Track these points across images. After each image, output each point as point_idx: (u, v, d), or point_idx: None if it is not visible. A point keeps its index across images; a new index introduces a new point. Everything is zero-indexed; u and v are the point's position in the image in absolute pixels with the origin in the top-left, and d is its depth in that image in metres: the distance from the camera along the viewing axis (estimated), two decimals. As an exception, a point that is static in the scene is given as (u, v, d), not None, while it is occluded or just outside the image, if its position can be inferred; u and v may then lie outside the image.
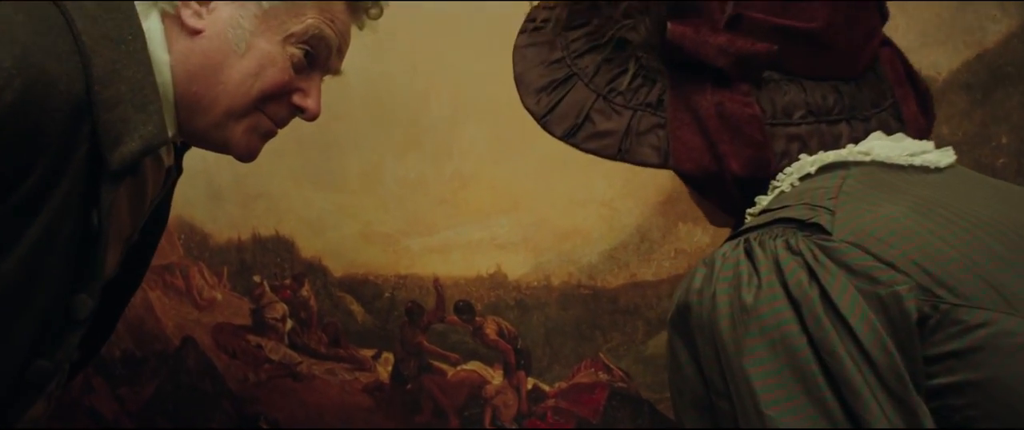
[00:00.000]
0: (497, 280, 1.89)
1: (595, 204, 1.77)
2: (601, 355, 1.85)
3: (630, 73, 0.86)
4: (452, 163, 1.81)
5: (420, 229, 1.92)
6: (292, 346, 2.12)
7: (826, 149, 0.85)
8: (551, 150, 0.94)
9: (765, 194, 0.87)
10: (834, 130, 0.85)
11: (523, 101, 0.93)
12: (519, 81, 0.94)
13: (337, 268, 2.05)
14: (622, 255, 1.79)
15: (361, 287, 2.02)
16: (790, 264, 0.71)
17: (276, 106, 1.13)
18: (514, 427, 1.93)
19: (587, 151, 0.87)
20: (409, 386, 2.01)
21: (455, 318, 1.92)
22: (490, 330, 1.89)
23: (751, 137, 0.80)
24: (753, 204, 0.88)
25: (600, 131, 0.86)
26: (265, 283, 2.12)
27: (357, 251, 2.01)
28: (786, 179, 0.85)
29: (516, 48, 0.96)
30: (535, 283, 1.85)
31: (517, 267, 1.82)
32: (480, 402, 1.95)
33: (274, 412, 2.18)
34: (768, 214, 0.82)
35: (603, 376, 1.86)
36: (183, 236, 2.17)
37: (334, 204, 2.00)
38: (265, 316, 2.14)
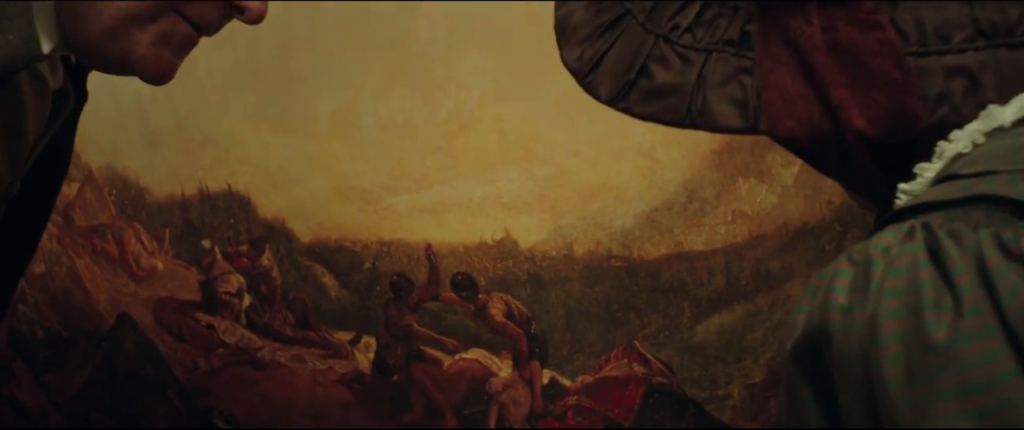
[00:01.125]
0: (505, 248, 1.75)
1: (631, 154, 1.63)
2: (636, 343, 1.71)
3: (698, 2, 0.69)
4: (447, 101, 1.70)
5: (407, 184, 1.79)
6: (251, 327, 2.01)
7: (1010, 87, 0.63)
8: (573, 85, 0.78)
9: (927, 160, 0.66)
10: (1020, 57, 0.63)
11: (563, 57, 0.77)
12: (560, 29, 0.77)
13: (304, 231, 1.92)
14: (664, 218, 1.64)
15: (335, 255, 1.90)
16: (1008, 277, 0.49)
17: (198, 3, 0.94)
18: (527, 429, 1.83)
19: (644, 117, 0.72)
20: (396, 378, 1.90)
21: (453, 295, 1.79)
22: (496, 310, 1.76)
23: (883, 75, 0.63)
24: (903, 177, 0.67)
25: (660, 86, 0.70)
26: (216, 249, 2.00)
27: (329, 210, 1.87)
28: (962, 137, 0.63)
29: None
30: (553, 252, 1.71)
31: (530, 232, 1.72)
32: (484, 399, 1.84)
33: (231, 407, 2.08)
34: (953, 185, 0.60)
35: (639, 369, 1.72)
36: (115, 192, 2.05)
37: (300, 152, 1.86)
38: (217, 290, 2.02)
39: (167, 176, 1.99)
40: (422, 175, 1.79)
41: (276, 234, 1.94)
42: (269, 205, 1.93)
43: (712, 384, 1.69)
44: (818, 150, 0.70)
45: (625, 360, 1.73)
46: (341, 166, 1.84)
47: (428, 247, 1.80)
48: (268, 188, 1.92)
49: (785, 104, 0.68)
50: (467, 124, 1.72)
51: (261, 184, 1.92)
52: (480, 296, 1.79)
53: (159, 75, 0.96)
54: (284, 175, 1.89)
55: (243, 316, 2.01)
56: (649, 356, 1.71)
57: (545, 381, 1.79)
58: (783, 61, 0.67)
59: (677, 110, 0.70)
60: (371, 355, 1.92)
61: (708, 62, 0.71)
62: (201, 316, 2.04)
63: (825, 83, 0.66)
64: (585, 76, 0.75)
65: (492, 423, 1.84)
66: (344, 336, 1.94)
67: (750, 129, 0.70)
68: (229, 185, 1.94)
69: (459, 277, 1.79)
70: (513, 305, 1.78)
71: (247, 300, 2.00)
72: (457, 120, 1.72)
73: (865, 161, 0.69)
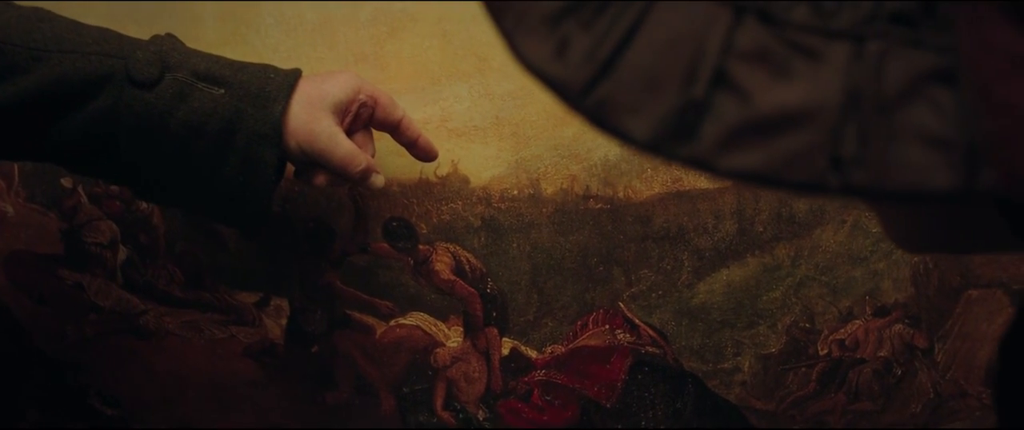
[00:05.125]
0: (453, 186, 1.62)
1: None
2: (621, 305, 1.62)
3: None
4: (374, -8, 1.61)
5: None
6: (129, 286, 1.81)
7: None
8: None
9: None
10: None
11: (519, 50, 0.43)
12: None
13: None
14: None
15: None
16: None
17: None
18: (481, 413, 1.73)
19: (744, 178, 0.39)
20: (315, 349, 1.77)
21: (385, 246, 1.64)
22: (442, 265, 1.63)
23: None
24: None
25: (766, 117, 0.37)
26: (80, 189, 1.78)
27: None
28: None
29: None
30: (515, 191, 1.60)
31: (485, 165, 1.60)
32: (428, 374, 1.73)
33: (111, 384, 1.90)
34: None
35: (624, 337, 1.64)
36: (-59, 115, 1.85)
37: None
38: (84, 240, 1.82)
39: None
40: None
41: None
42: None
43: (717, 355, 1.61)
44: None
45: (607, 326, 1.63)
46: None
47: (352, 185, 1.64)
48: None
49: None
50: (400, 24, 1.55)
51: None
52: (421, 247, 1.65)
53: None
54: None
55: (119, 273, 1.83)
56: (637, 321, 1.62)
57: (505, 352, 1.69)
58: (1022, 54, 0.36)
59: (811, 161, 0.39)
60: (283, 321, 1.78)
61: (861, 59, 0.39)
62: (66, 273, 1.83)
63: None
64: (584, 92, 0.41)
65: (439, 404, 1.73)
66: (248, 298, 1.80)
67: (963, 192, 0.39)
68: None
69: (394, 223, 1.64)
70: (463, 258, 1.64)
71: (123, 253, 1.82)
72: (387, 19, 1.55)
73: None
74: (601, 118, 0.40)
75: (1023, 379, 0.57)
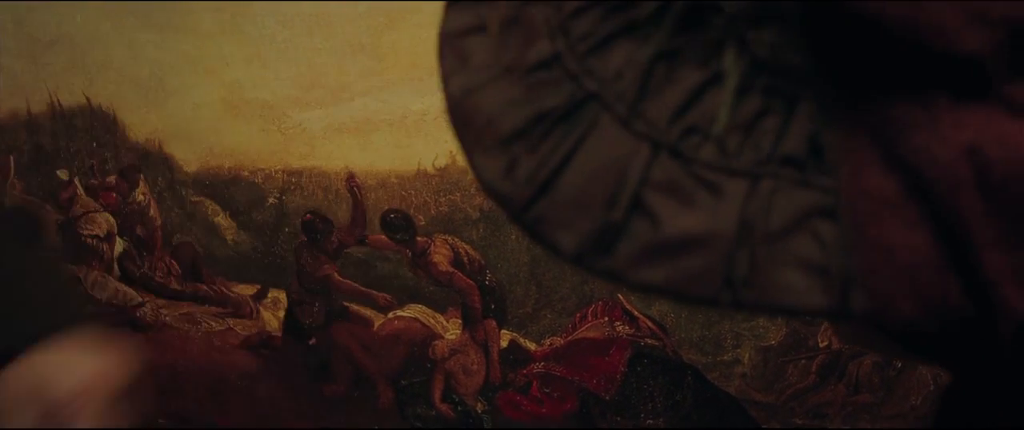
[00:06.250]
0: (451, 178, 1.65)
1: None
2: (620, 297, 1.64)
3: (731, 83, 0.36)
4: (372, -17, 1.65)
5: (321, 95, 1.66)
6: (126, 278, 1.85)
7: None
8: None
9: None
10: None
11: (474, 167, 0.34)
12: (461, 113, 0.36)
13: (189, 158, 1.80)
14: None
15: (229, 188, 1.78)
16: None
17: None
18: (480, 405, 1.74)
19: (648, 290, 0.35)
20: (313, 341, 1.79)
21: (383, 238, 1.67)
22: (440, 257, 1.65)
23: None
24: None
25: (670, 240, 0.36)
26: (77, 181, 1.83)
27: (219, 131, 1.74)
28: None
29: (445, 37, 0.37)
30: None
31: None
32: (426, 366, 1.74)
33: None
34: None
35: (623, 329, 1.65)
36: (-65, 108, 1.96)
37: (177, 54, 1.70)
38: (80, 233, 1.84)
39: (7, 87, 1.83)
40: (340, 84, 1.65)
41: (152, 161, 1.82)
42: (141, 124, 1.80)
43: (716, 347, 1.63)
44: (949, 346, 0.43)
45: (606, 318, 1.65)
46: (232, 73, 1.69)
47: (350, 177, 1.69)
48: (138, 102, 1.78)
49: (898, 273, 0.40)
50: (399, 15, 1.57)
51: (129, 97, 1.78)
52: (419, 239, 1.68)
53: None
54: (158, 85, 1.75)
55: (115, 265, 1.87)
56: (636, 313, 1.64)
57: (504, 344, 1.71)
58: (891, 199, 0.39)
59: (707, 279, 0.40)
60: (281, 313, 1.82)
61: (755, 195, 0.40)
62: (63, 266, 1.79)
63: (967, 241, 0.38)
64: (524, 207, 0.45)
65: (437, 396, 1.74)
66: (246, 290, 1.84)
67: (836, 311, 0.40)
68: (88, 98, 1.81)
69: (392, 215, 1.68)
70: (462, 250, 1.67)
71: (120, 245, 1.86)
72: (385, 10, 1.57)
73: (1009, 356, 0.42)
74: (536, 232, 0.44)
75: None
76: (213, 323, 1.82)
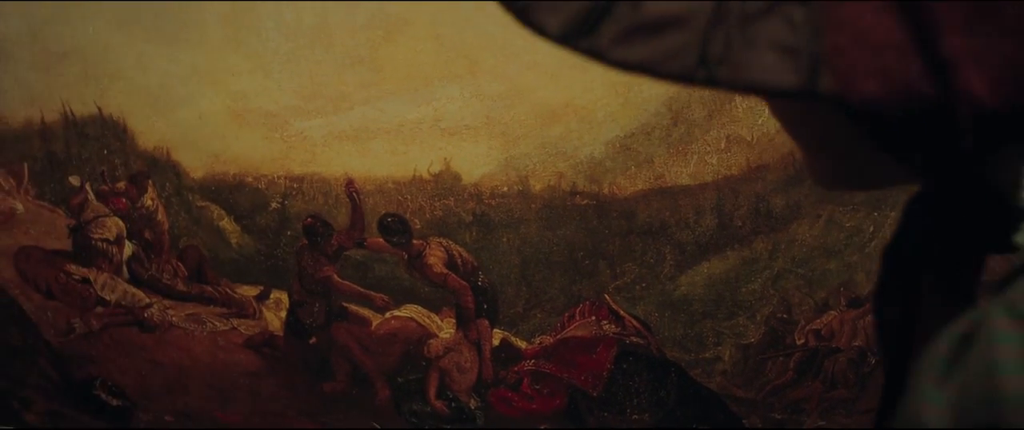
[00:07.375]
0: (445, 183, 1.68)
1: (600, 66, 1.37)
2: (606, 297, 1.67)
3: None
4: (370, -2, 1.65)
5: (322, 104, 1.68)
6: (134, 280, 1.89)
7: None
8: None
9: None
10: None
11: None
12: None
13: (195, 165, 1.82)
14: (642, 145, 1.56)
15: (234, 194, 1.80)
16: None
17: None
18: (473, 402, 1.76)
19: (628, 67, 0.47)
20: (313, 340, 1.82)
21: (381, 241, 1.72)
22: (435, 259, 1.70)
23: (1022, 16, 0.43)
24: (997, 192, 0.51)
25: (651, 18, 0.47)
26: (88, 187, 1.85)
27: (224, 138, 1.76)
28: None
29: None
30: (505, 188, 1.65)
31: (476, 163, 1.66)
32: (421, 364, 1.77)
33: (116, 376, 1.93)
34: None
35: (609, 328, 1.68)
36: (-47, 117, 1.96)
37: (185, 65, 1.72)
38: (91, 236, 1.87)
39: (21, 98, 1.85)
40: (340, 93, 1.68)
41: (160, 168, 1.85)
42: (150, 132, 1.82)
43: (698, 345, 1.65)
44: (908, 126, 0.54)
45: (593, 317, 1.68)
46: (238, 83, 1.72)
47: (349, 182, 1.72)
48: (147, 111, 1.80)
49: (865, 54, 0.48)
50: (395, 28, 1.60)
51: (139, 106, 1.80)
52: (415, 242, 1.72)
53: None
54: (166, 94, 1.78)
55: (124, 268, 1.90)
56: (622, 313, 1.67)
57: (496, 343, 1.75)
58: None
59: (683, 57, 0.48)
60: (282, 313, 1.85)
61: None
62: (73, 268, 1.90)
63: (931, 24, 0.46)
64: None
65: (432, 393, 1.77)
66: (249, 291, 1.87)
67: (805, 90, 0.48)
68: (99, 108, 1.82)
69: (389, 219, 1.71)
70: (455, 252, 1.71)
71: (128, 248, 1.89)
72: (382, 23, 1.61)
73: (968, 144, 0.52)
74: (525, 15, 0.52)
75: (901, 286, 0.59)
76: (218, 323, 1.85)
